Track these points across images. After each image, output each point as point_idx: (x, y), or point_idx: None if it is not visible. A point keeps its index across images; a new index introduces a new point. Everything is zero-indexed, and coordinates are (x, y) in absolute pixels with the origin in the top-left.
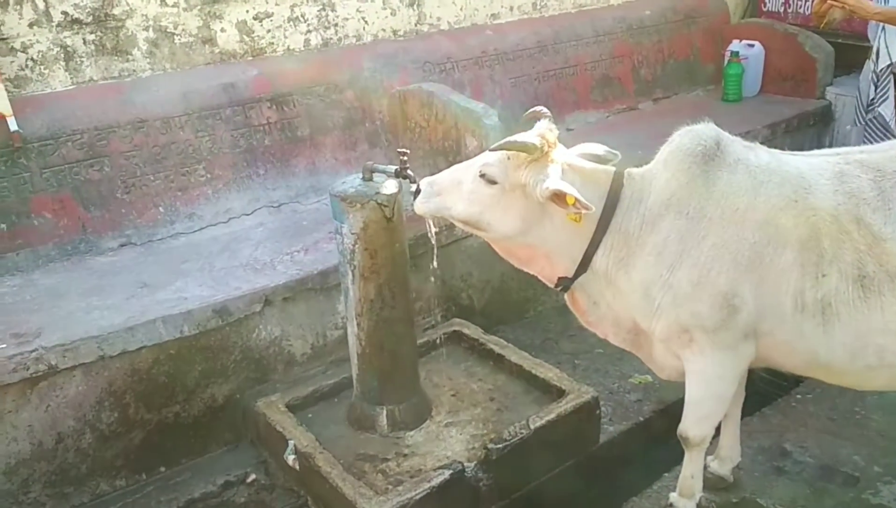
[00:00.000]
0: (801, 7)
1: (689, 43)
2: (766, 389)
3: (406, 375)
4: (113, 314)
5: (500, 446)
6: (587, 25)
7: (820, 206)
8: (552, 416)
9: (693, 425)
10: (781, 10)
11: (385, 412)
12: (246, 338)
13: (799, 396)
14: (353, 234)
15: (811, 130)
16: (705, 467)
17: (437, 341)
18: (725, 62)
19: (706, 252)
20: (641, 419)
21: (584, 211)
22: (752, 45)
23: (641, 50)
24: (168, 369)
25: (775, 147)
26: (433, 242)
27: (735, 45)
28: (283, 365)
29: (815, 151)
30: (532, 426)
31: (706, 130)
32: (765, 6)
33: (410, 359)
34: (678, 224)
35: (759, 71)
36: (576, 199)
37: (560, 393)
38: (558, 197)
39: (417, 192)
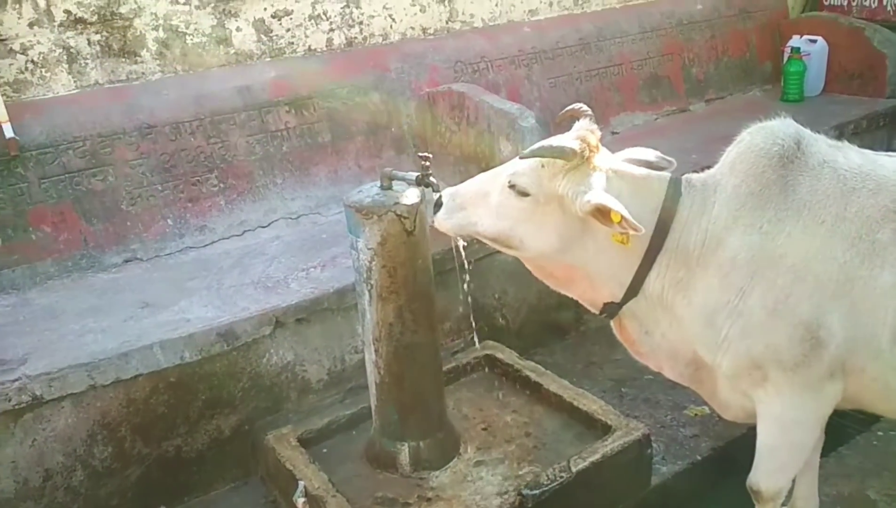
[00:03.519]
0: (866, 0)
1: (744, 39)
2: (840, 423)
3: (430, 407)
4: (107, 338)
5: (536, 492)
6: (633, 21)
7: None
8: (597, 456)
9: (766, 476)
10: (845, 3)
11: (407, 448)
12: (255, 364)
13: (881, 433)
14: (369, 249)
15: (881, 131)
16: None
17: (467, 367)
18: (785, 59)
19: (784, 274)
20: (699, 457)
21: (631, 232)
22: (814, 41)
23: (692, 47)
24: (168, 398)
25: None
26: (463, 258)
27: (795, 40)
28: (296, 393)
29: None
30: (574, 469)
31: (783, 126)
32: (826, 0)
33: (435, 389)
34: (749, 240)
35: (822, 68)
36: (622, 216)
37: (606, 429)
38: (601, 213)
39: (438, 205)
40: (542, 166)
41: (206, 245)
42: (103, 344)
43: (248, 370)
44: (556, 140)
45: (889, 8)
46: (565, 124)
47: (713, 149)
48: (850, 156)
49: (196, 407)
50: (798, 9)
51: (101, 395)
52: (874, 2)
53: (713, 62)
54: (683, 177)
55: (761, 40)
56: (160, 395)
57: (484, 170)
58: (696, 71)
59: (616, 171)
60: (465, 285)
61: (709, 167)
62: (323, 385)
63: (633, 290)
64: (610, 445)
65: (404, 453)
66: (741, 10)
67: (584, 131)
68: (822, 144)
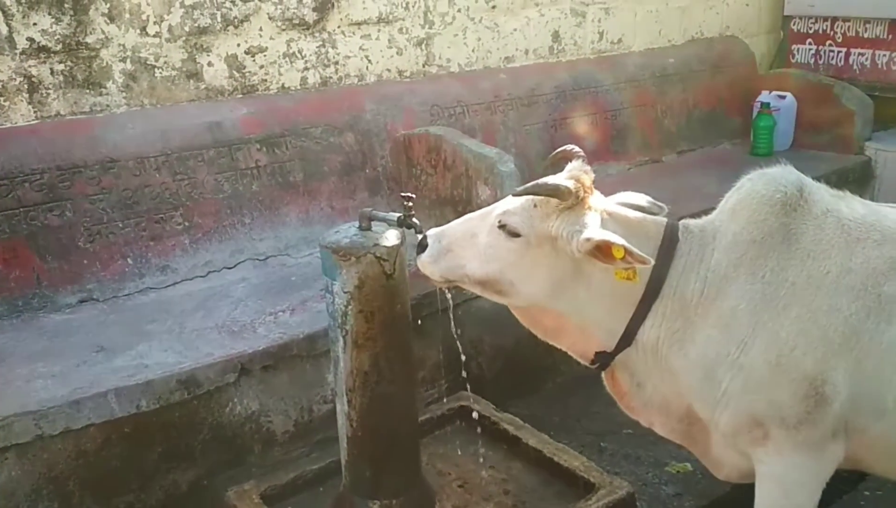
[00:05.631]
0: (832, 58)
1: (715, 93)
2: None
3: (406, 462)
4: (57, 384)
5: None
6: (607, 72)
7: None
8: None
9: None
10: (812, 61)
11: (379, 507)
12: (217, 414)
13: (867, 493)
14: (345, 293)
15: (850, 187)
16: None
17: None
18: (755, 114)
19: (787, 326)
20: None
21: (638, 265)
22: (783, 97)
23: (665, 99)
24: (121, 450)
25: None
26: (448, 298)
27: (765, 96)
28: (260, 446)
29: None
30: None
31: (785, 173)
32: (794, 57)
33: (411, 443)
34: (751, 290)
35: (791, 124)
36: (626, 250)
37: (588, 487)
38: (601, 251)
39: (422, 246)
40: (535, 206)
41: (168, 286)
42: (53, 391)
43: (210, 420)
44: (552, 179)
45: (855, 67)
46: (556, 166)
47: (686, 199)
48: (854, 206)
49: (151, 460)
50: (766, 66)
51: (48, 446)
52: (840, 60)
53: (685, 115)
54: (680, 222)
55: (731, 95)
56: (113, 447)
57: (460, 214)
58: (669, 123)
59: (611, 213)
60: (453, 328)
61: (683, 218)
62: (289, 437)
63: (627, 340)
64: (594, 504)
65: None
66: (712, 65)
67: (577, 172)
68: (824, 193)
